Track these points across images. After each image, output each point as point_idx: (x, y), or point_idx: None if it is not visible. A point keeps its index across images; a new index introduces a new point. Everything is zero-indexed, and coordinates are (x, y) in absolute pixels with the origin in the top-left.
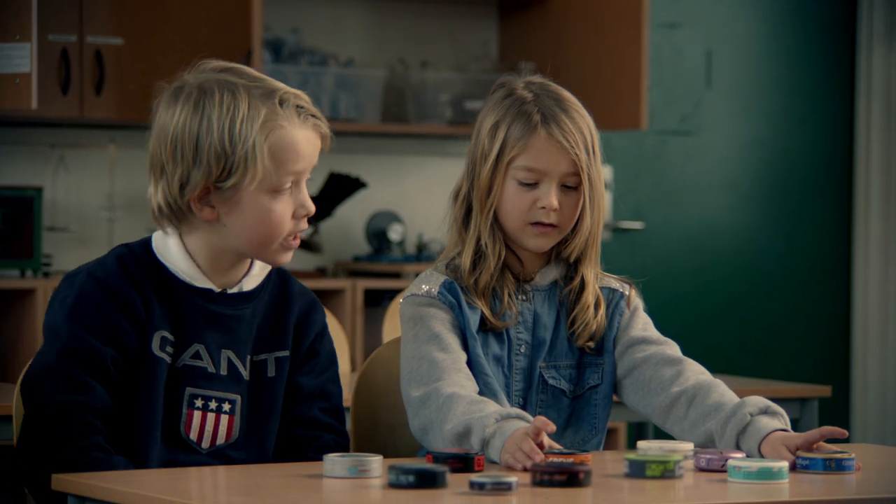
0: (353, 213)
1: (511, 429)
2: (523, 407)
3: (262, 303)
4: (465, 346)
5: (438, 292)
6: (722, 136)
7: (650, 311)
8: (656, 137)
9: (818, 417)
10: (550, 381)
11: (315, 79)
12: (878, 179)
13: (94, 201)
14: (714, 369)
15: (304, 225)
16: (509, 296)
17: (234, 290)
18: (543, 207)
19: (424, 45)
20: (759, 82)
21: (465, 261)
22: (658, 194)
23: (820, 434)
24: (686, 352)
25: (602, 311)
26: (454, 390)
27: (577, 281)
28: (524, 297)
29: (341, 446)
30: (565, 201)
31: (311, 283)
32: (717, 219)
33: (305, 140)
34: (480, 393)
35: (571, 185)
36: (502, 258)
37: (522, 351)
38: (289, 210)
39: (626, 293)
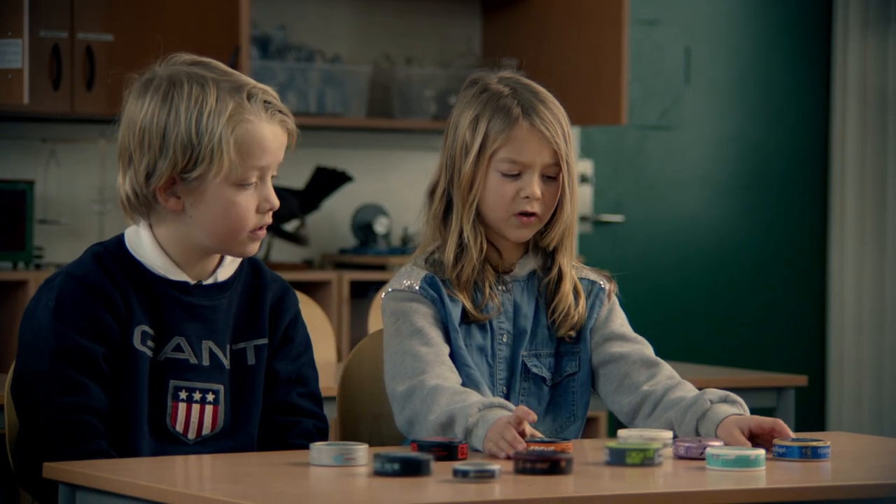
0: (339, 207)
1: (493, 418)
2: (507, 395)
3: (236, 292)
4: (448, 339)
5: (420, 287)
6: (701, 131)
7: (630, 302)
8: (636, 132)
9: (794, 406)
10: (533, 370)
11: (302, 74)
12: (853, 173)
13: (84, 194)
14: (693, 359)
15: (269, 219)
16: (490, 287)
17: (209, 281)
18: (527, 197)
19: (409, 41)
20: (737, 78)
21: (448, 255)
22: (638, 188)
23: (773, 422)
24: (665, 342)
25: (582, 301)
26: (438, 382)
27: (554, 271)
28: (504, 288)
29: (321, 431)
30: (546, 190)
31: (297, 275)
32: (695, 212)
33: (272, 135)
34: (463, 384)
35: (551, 175)
36: (484, 251)
37: (504, 340)
38: (253, 204)
39: (606, 286)
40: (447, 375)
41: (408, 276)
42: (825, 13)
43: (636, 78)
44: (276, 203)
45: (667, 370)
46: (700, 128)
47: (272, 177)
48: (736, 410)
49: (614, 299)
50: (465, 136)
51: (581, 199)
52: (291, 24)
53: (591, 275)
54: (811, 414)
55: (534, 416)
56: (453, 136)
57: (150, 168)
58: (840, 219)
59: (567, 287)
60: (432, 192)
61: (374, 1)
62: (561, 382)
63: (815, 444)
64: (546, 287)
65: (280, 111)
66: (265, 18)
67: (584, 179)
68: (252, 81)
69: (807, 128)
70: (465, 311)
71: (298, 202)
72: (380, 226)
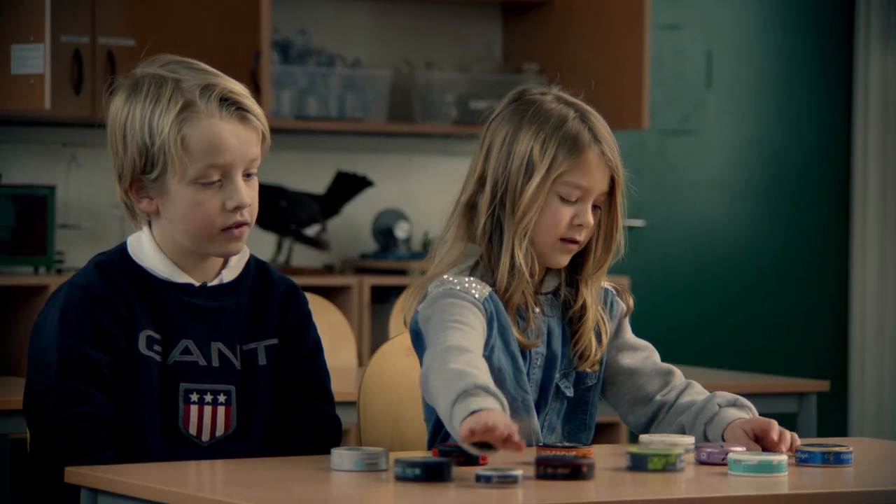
0: (359, 211)
1: (478, 406)
2: (536, 414)
3: (244, 293)
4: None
5: (484, 301)
6: (721, 136)
7: (651, 306)
8: (657, 136)
9: (816, 412)
10: (563, 390)
11: (322, 79)
12: (874, 178)
13: (105, 199)
14: (713, 364)
15: (242, 217)
16: (531, 311)
17: (215, 282)
18: (580, 224)
19: (430, 46)
20: (758, 83)
21: (502, 277)
22: (659, 192)
23: (766, 423)
24: (686, 346)
25: (604, 338)
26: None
27: (578, 304)
28: (540, 310)
29: (335, 433)
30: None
31: (318, 280)
32: (716, 216)
33: (230, 132)
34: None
35: (598, 204)
36: (536, 275)
37: (538, 364)
38: (217, 202)
39: (620, 295)
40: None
41: (473, 284)
42: (847, 18)
43: (657, 82)
44: (244, 201)
45: (678, 375)
46: (721, 132)
47: (248, 174)
48: (744, 415)
49: (628, 307)
50: (526, 157)
51: None
52: (312, 28)
53: (605, 283)
54: (833, 419)
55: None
56: (507, 153)
57: (120, 170)
58: (861, 223)
59: (590, 324)
60: (472, 206)
61: (395, 5)
62: (580, 395)
63: (837, 449)
64: (571, 317)
65: (241, 108)
66: (286, 23)
67: None
68: (221, 80)
69: (827, 133)
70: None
71: (319, 207)
72: (400, 230)
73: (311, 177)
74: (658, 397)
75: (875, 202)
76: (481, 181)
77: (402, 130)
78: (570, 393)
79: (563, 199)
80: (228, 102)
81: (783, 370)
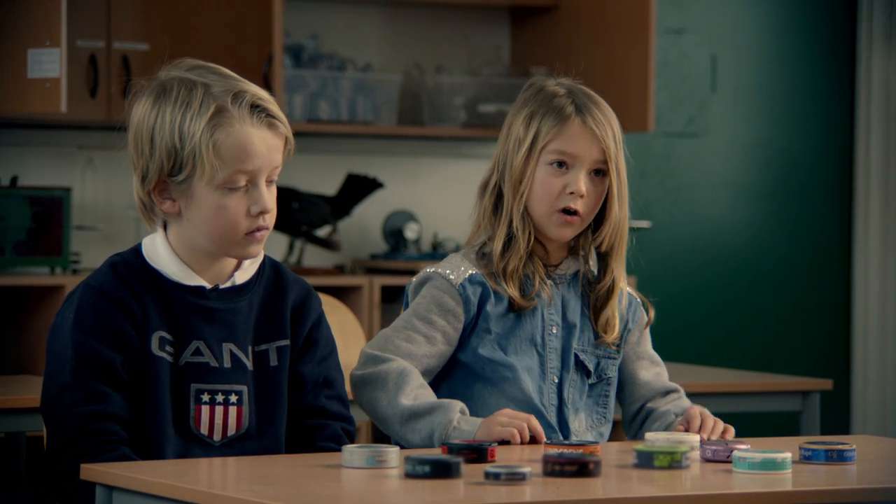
0: (370, 213)
1: (476, 421)
2: (560, 385)
3: (257, 295)
4: (460, 344)
5: (461, 285)
6: (726, 138)
7: (657, 307)
8: (663, 139)
9: (819, 410)
10: (583, 361)
11: (333, 83)
12: (877, 179)
13: (120, 201)
14: (718, 363)
15: (264, 222)
16: (540, 279)
17: (227, 284)
18: (572, 193)
19: (439, 50)
20: (762, 86)
21: (497, 245)
22: (665, 194)
23: (693, 414)
24: (691, 346)
25: (625, 313)
26: (409, 368)
27: (608, 278)
28: (553, 283)
29: (349, 433)
30: (591, 190)
31: (329, 281)
32: (721, 217)
33: (259, 139)
34: (503, 379)
35: (598, 175)
36: (531, 242)
37: (555, 332)
38: (243, 207)
39: (645, 305)
40: (419, 382)
41: (456, 268)
42: (849, 21)
43: (663, 86)
44: (268, 207)
45: (680, 394)
46: (726, 134)
47: (270, 181)
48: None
49: (649, 319)
50: (518, 132)
51: None
52: (323, 33)
53: (632, 292)
54: (836, 417)
55: (541, 433)
56: (507, 132)
57: (144, 171)
58: (864, 223)
59: (616, 297)
60: (484, 187)
61: (405, 10)
62: (599, 384)
63: (840, 447)
64: (595, 292)
65: (270, 115)
66: (298, 28)
67: None
68: (248, 87)
69: (831, 134)
70: (511, 301)
71: (330, 208)
72: (410, 232)
73: (323, 179)
74: (649, 404)
75: (878, 203)
76: (494, 162)
77: (412, 133)
78: (590, 368)
79: (553, 168)
80: (259, 109)
81: (786, 369)
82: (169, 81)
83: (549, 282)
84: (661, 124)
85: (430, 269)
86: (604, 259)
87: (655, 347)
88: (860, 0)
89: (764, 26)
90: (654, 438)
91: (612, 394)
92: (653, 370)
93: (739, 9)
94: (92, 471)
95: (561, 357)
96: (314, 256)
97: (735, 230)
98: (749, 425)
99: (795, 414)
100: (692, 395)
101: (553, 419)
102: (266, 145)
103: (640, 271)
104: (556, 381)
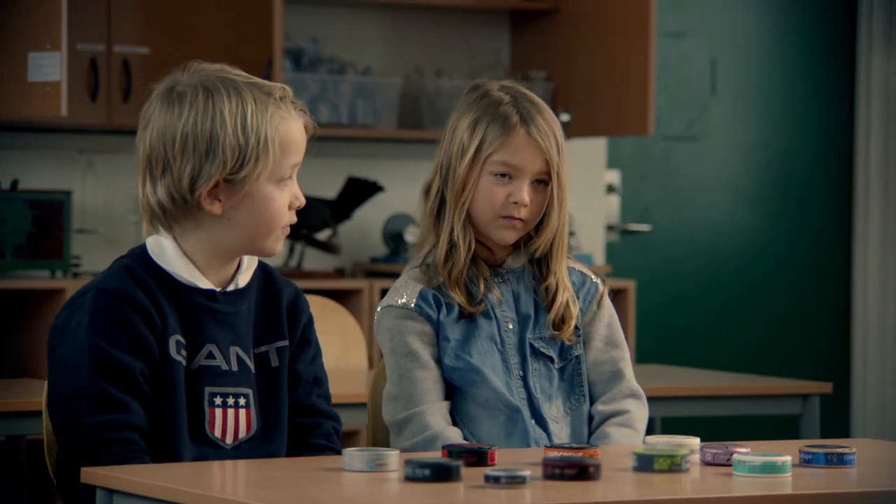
0: (370, 216)
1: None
2: (524, 379)
3: (253, 297)
4: (442, 354)
5: (416, 304)
6: (726, 141)
7: (656, 309)
8: (663, 142)
9: (819, 414)
10: (541, 349)
11: (334, 86)
12: (877, 182)
13: (121, 204)
14: (717, 366)
15: (295, 217)
16: (485, 280)
17: (231, 287)
18: (516, 202)
19: (439, 54)
20: (762, 89)
21: (440, 252)
22: (664, 197)
23: None
24: (691, 349)
25: (577, 306)
26: (437, 430)
27: (551, 279)
28: (500, 280)
29: (338, 432)
30: (535, 199)
31: (329, 284)
32: (721, 220)
33: (300, 131)
34: (471, 383)
35: (540, 183)
36: (472, 249)
37: (511, 328)
38: (287, 200)
39: (600, 286)
40: (443, 417)
41: (403, 292)
42: (849, 23)
43: (663, 89)
44: (304, 200)
45: (625, 387)
46: (726, 137)
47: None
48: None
49: (603, 296)
50: (462, 139)
51: (608, 208)
52: (324, 36)
53: (585, 270)
54: (836, 421)
55: None
56: (451, 137)
57: (195, 173)
58: (864, 226)
59: (564, 296)
60: (427, 191)
61: (405, 14)
62: (568, 365)
63: (840, 450)
64: (544, 289)
65: (302, 109)
66: (298, 31)
67: (611, 189)
68: (271, 83)
69: (831, 137)
70: (460, 308)
71: (330, 212)
72: (410, 235)
73: (323, 182)
74: (599, 406)
75: (878, 205)
76: (436, 166)
77: (412, 137)
78: (551, 354)
79: (497, 178)
80: (296, 106)
81: (786, 372)
82: (210, 84)
83: (496, 280)
84: (660, 127)
85: (380, 308)
86: (544, 262)
87: (655, 349)
88: (860, 1)
89: (763, 29)
90: (654, 442)
91: (583, 370)
92: (604, 354)
93: (739, 12)
94: (92, 474)
95: (519, 351)
96: (314, 260)
97: (735, 233)
98: (749, 428)
99: (795, 417)
100: (692, 399)
101: (526, 412)
102: (303, 139)
103: (640, 274)
104: (521, 374)
